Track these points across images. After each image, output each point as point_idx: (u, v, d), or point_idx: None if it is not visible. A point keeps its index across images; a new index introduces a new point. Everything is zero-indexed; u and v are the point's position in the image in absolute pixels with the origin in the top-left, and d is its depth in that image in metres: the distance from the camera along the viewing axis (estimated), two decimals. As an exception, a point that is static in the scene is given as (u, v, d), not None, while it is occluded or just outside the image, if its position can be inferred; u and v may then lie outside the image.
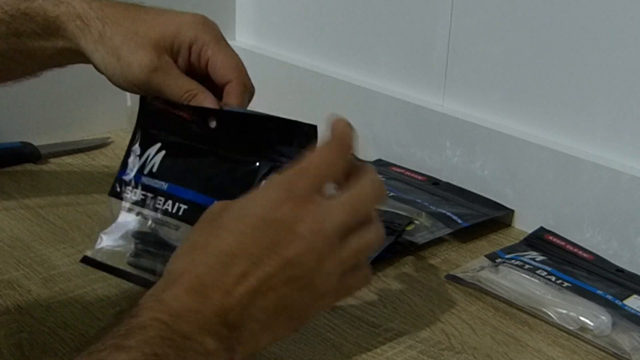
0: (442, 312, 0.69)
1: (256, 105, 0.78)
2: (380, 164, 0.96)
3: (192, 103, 0.66)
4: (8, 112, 0.96)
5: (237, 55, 0.68)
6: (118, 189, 0.69)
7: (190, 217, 0.64)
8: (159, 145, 0.68)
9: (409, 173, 0.93)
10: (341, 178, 0.54)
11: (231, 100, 0.66)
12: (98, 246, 0.68)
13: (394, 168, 0.94)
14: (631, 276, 0.74)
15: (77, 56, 0.69)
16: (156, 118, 0.69)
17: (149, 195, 0.67)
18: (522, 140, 0.83)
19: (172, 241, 0.65)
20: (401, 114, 0.95)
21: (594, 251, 0.78)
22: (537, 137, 0.83)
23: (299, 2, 1.08)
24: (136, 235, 0.67)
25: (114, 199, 0.69)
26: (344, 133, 0.54)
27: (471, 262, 0.77)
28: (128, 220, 0.68)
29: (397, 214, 0.80)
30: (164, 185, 0.67)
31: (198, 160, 0.67)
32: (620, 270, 0.75)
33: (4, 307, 0.65)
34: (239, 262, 0.49)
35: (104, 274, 0.70)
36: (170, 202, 0.66)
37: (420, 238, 0.78)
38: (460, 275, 0.74)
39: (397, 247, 0.77)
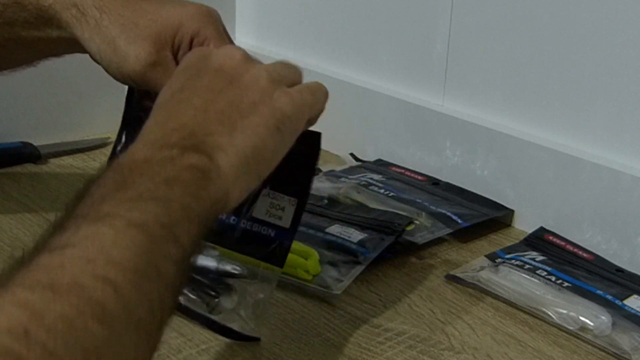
0: (442, 312, 0.69)
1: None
2: (380, 164, 0.96)
3: None
4: (8, 112, 0.96)
5: None
6: None
7: None
8: None
9: (409, 173, 0.93)
10: None
11: None
12: None
13: (394, 168, 0.94)
14: (631, 276, 0.74)
15: (73, 45, 0.67)
16: (145, 118, 0.68)
17: None
18: (522, 140, 0.83)
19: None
20: (401, 114, 0.95)
21: (594, 251, 0.78)
22: (537, 137, 0.83)
23: (299, 2, 1.08)
24: None
25: None
26: None
27: (471, 262, 0.77)
28: None
29: (397, 214, 0.80)
30: None
31: None
32: (620, 270, 0.75)
33: (4, 307, 0.65)
34: (177, 99, 0.52)
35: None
36: None
37: (420, 238, 0.78)
38: (460, 275, 0.74)
39: (397, 247, 0.77)
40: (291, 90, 0.56)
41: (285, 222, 0.61)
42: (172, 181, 0.45)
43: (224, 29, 0.67)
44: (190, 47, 0.65)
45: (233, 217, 0.62)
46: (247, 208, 0.62)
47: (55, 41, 0.68)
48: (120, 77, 0.65)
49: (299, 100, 0.55)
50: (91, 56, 0.66)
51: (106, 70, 0.66)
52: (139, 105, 0.68)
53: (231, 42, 0.66)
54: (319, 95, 0.58)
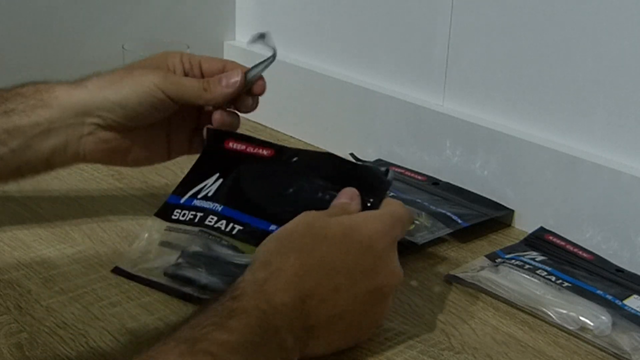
0: (442, 312, 0.69)
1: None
2: (380, 164, 0.96)
3: (214, 90, 0.72)
4: (8, 112, 0.95)
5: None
6: (167, 211, 0.71)
7: (246, 237, 0.66)
8: (217, 175, 0.72)
9: (409, 173, 0.93)
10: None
11: (233, 75, 0.73)
12: (134, 260, 0.71)
13: (394, 168, 0.94)
14: (631, 276, 0.74)
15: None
16: (219, 155, 0.73)
17: (200, 214, 0.69)
18: (522, 140, 0.83)
19: (223, 257, 0.66)
20: (401, 114, 0.95)
21: (594, 251, 0.78)
22: (537, 137, 0.83)
23: (299, 3, 1.08)
24: (181, 250, 0.69)
25: (158, 219, 0.72)
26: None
27: (471, 262, 0.77)
28: (173, 237, 0.70)
29: (397, 214, 0.80)
30: (218, 207, 0.69)
31: (263, 186, 0.70)
32: (620, 270, 0.75)
33: (4, 307, 0.65)
34: (338, 277, 0.57)
35: (104, 273, 0.70)
36: (224, 221, 0.68)
37: (420, 238, 0.78)
38: (460, 275, 0.74)
39: (397, 247, 0.77)
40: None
41: None
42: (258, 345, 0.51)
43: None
44: (182, 65, 0.74)
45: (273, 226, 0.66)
46: None
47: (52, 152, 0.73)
48: (148, 112, 0.72)
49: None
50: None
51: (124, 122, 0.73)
52: (213, 146, 0.74)
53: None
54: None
